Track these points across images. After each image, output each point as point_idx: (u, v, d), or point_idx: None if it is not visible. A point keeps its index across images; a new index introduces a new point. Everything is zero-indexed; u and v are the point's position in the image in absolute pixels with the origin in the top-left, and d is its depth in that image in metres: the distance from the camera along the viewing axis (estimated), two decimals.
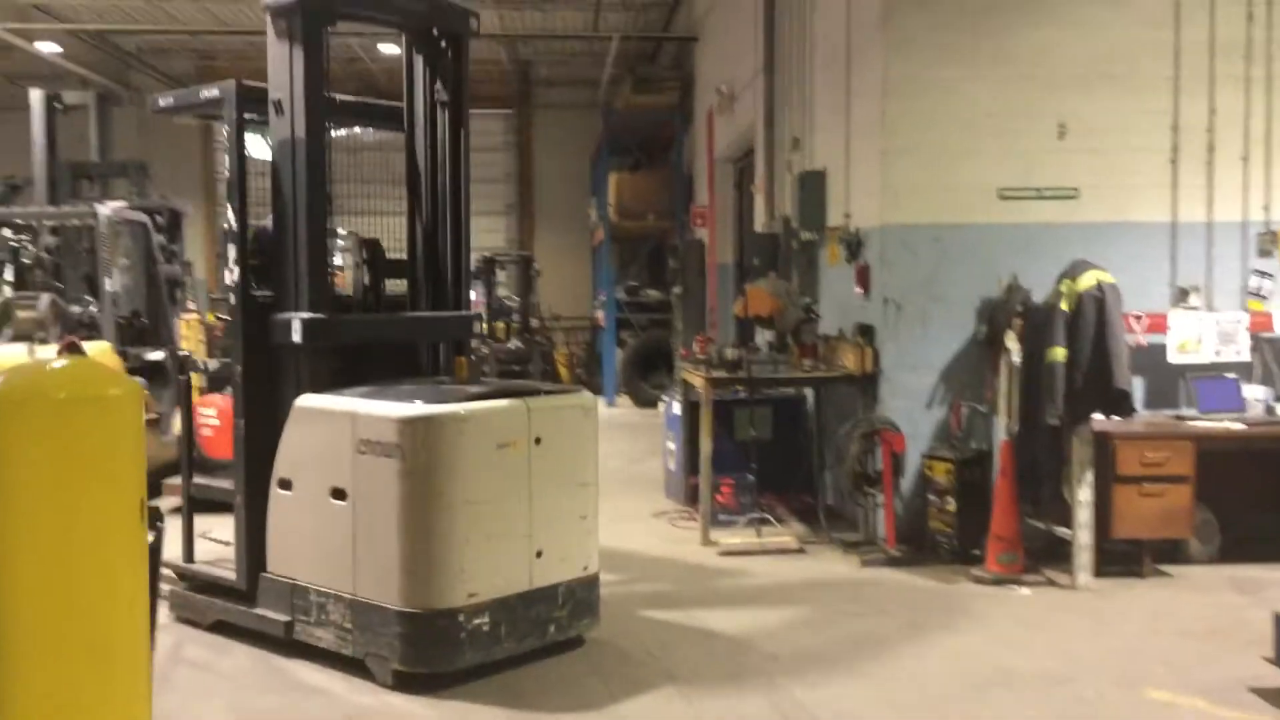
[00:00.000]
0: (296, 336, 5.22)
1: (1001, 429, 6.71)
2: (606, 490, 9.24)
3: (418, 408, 4.81)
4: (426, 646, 4.73)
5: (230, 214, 5.43)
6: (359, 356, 5.56)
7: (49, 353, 7.31)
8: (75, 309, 8.84)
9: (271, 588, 5.25)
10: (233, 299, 5.44)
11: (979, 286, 7.15)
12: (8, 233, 10.39)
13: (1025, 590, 6.27)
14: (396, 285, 6.05)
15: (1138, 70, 7.18)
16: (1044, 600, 6.12)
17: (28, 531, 1.86)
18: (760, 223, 10.79)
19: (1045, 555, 6.60)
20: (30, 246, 9.64)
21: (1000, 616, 5.82)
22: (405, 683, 4.75)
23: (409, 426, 4.74)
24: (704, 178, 14.44)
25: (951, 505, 6.75)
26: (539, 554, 5.08)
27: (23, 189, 12.26)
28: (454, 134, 5.84)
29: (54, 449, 1.87)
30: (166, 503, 7.99)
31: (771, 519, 7.56)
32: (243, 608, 5.36)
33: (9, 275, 10.50)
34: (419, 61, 5.80)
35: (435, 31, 5.76)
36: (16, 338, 7.71)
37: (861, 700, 4.65)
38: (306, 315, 5.24)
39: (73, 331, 8.38)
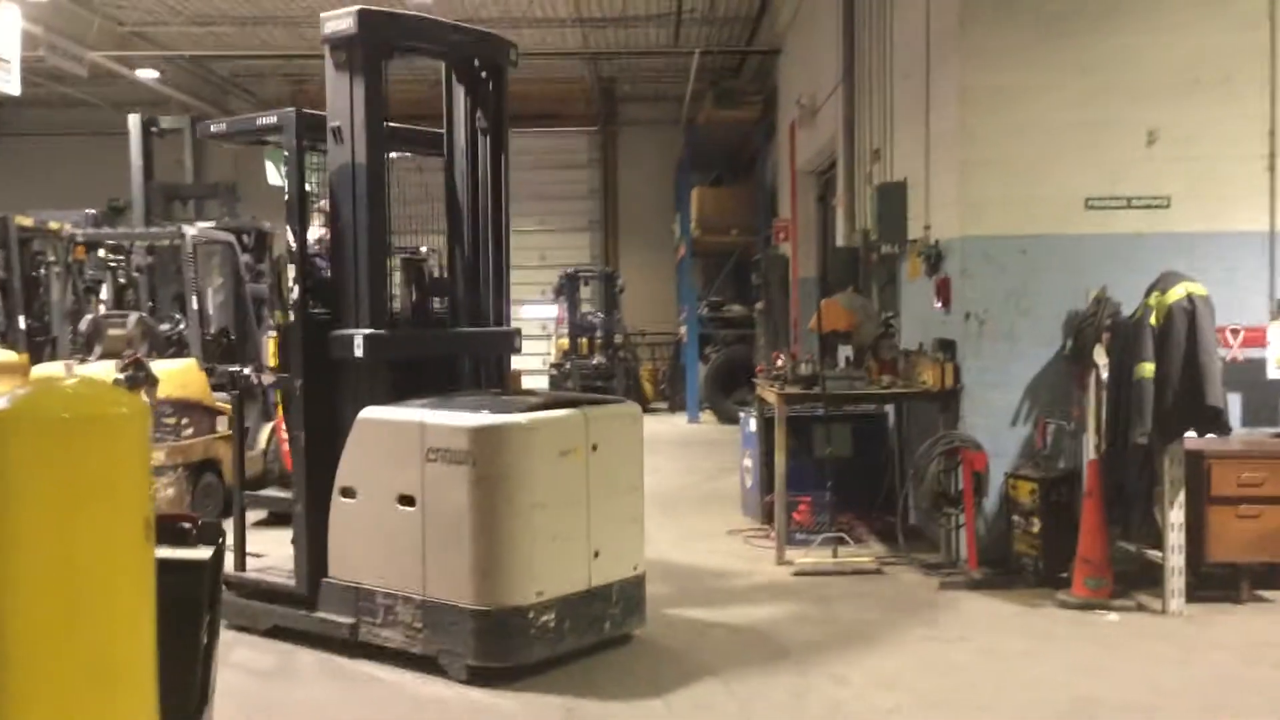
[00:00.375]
0: (359, 352, 5.41)
1: (1089, 448, 6.46)
2: (682, 507, 9.26)
3: (489, 418, 5.06)
4: (499, 642, 4.96)
5: (290, 235, 5.62)
6: (407, 370, 5.74)
7: (89, 371, 7.49)
8: (164, 327, 9.06)
9: (334, 592, 5.43)
10: (292, 316, 5.61)
11: (1066, 299, 6.91)
12: (103, 253, 10.74)
13: (1113, 616, 6.01)
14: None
15: (1231, 74, 6.88)
16: (1132, 626, 5.86)
17: (29, 552, 1.85)
18: (841, 236, 10.63)
19: (1135, 579, 6.33)
20: (123, 266, 9.94)
21: (1085, 643, 5.59)
22: (477, 677, 4.96)
23: (481, 435, 4.98)
24: (787, 191, 14.31)
25: (1036, 526, 6.52)
26: (596, 554, 5.33)
27: (125, 210, 12.69)
28: (494, 159, 6.10)
29: (56, 469, 1.87)
30: (251, 516, 8.15)
31: (848, 538, 7.39)
32: (303, 612, 5.53)
33: (105, 294, 10.86)
34: (460, 90, 6.01)
35: (477, 62, 5.98)
36: (106, 355, 7.91)
37: None
38: (368, 331, 5.44)
39: (161, 350, 8.59)
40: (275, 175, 5.90)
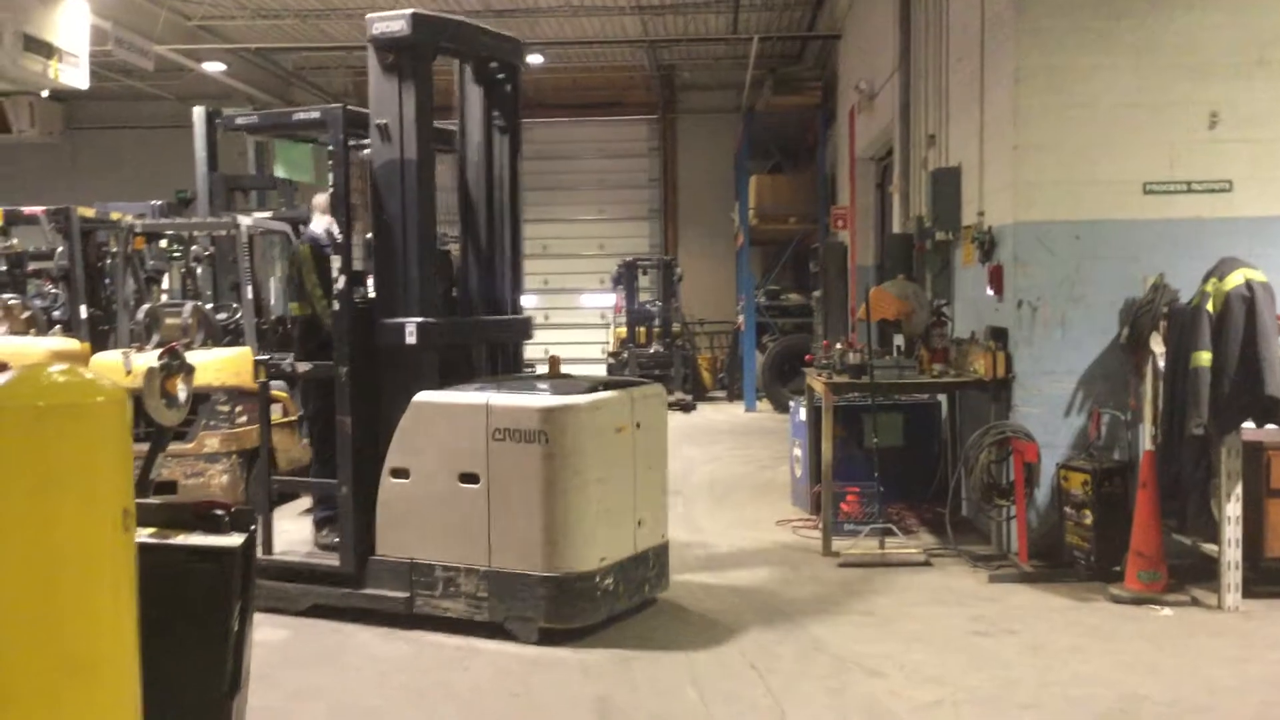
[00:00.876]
0: (411, 339, 5.64)
1: (1145, 438, 6.30)
2: (734, 496, 9.21)
3: (558, 399, 5.44)
4: (568, 605, 5.38)
5: (334, 227, 5.79)
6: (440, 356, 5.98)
7: (145, 359, 7.64)
8: (221, 316, 9.20)
9: (384, 569, 5.66)
10: (337, 305, 5.74)
11: (1121, 286, 6.74)
12: (164, 243, 10.95)
13: (1167, 611, 5.86)
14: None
15: None
16: (1186, 622, 5.70)
17: (2, 542, 1.87)
18: (897, 223, 10.48)
19: (1190, 574, 6.16)
20: (183, 256, 10.12)
21: (1136, 638, 5.45)
22: (546, 638, 5.38)
23: (552, 415, 5.36)
24: (845, 178, 14.14)
25: (1089, 519, 6.37)
26: (640, 523, 5.80)
27: (191, 202, 12.92)
28: (512, 155, 6.30)
29: (30, 457, 1.88)
30: (303, 504, 8.26)
31: (897, 530, 7.29)
32: (348, 590, 5.75)
33: (166, 284, 11.08)
34: (478, 90, 6.22)
35: (495, 63, 6.22)
36: (163, 343, 8.06)
37: None
38: (419, 319, 5.68)
39: (217, 338, 8.74)
40: (285, 168, 6.09)
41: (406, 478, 5.60)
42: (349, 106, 5.87)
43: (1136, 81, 6.76)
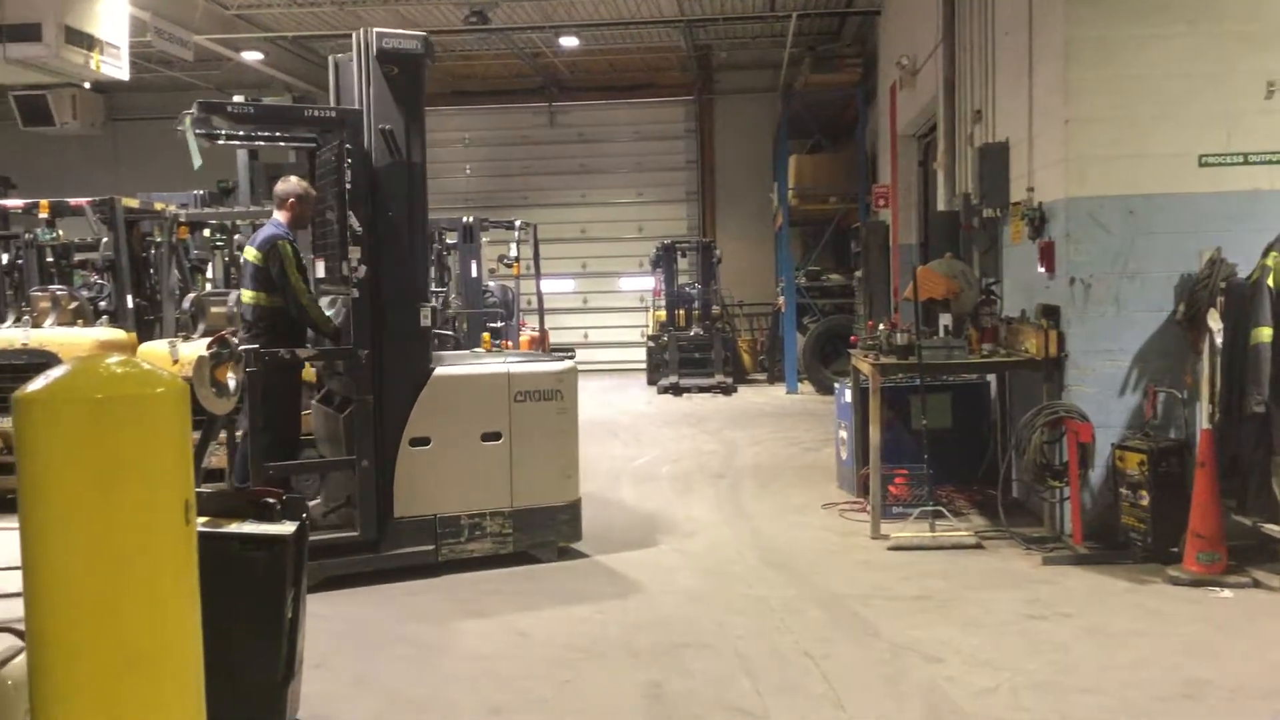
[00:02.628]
0: (425, 322, 6.35)
1: (1202, 417, 6.16)
2: (779, 480, 9.13)
3: (565, 364, 6.72)
4: (576, 526, 6.71)
5: (353, 220, 6.08)
6: None
7: (193, 348, 7.66)
8: None
9: (406, 528, 6.30)
10: (356, 293, 6.17)
11: (1177, 262, 6.60)
12: (208, 233, 11.00)
13: (1226, 593, 5.73)
14: None
15: None
16: (1247, 604, 5.58)
17: (66, 534, 1.84)
18: (941, 201, 10.31)
19: (1251, 555, 6.05)
20: (227, 245, 10.15)
21: (1196, 621, 5.34)
22: (562, 554, 6.66)
23: (564, 376, 6.68)
24: (887, 156, 13.97)
25: (1145, 499, 6.25)
26: None
27: (233, 191, 12.99)
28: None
29: (92, 450, 1.86)
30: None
31: (946, 512, 7.19)
32: (369, 555, 6.23)
33: (211, 273, 11.14)
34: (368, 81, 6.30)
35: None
36: (209, 332, 8.10)
37: (1033, 713, 4.31)
38: (433, 304, 6.52)
39: None
40: (197, 156, 6.47)
41: (427, 444, 6.31)
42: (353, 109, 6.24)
43: (1191, 51, 6.60)
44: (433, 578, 6.25)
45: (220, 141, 6.48)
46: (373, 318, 6.16)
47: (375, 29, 6.18)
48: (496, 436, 6.43)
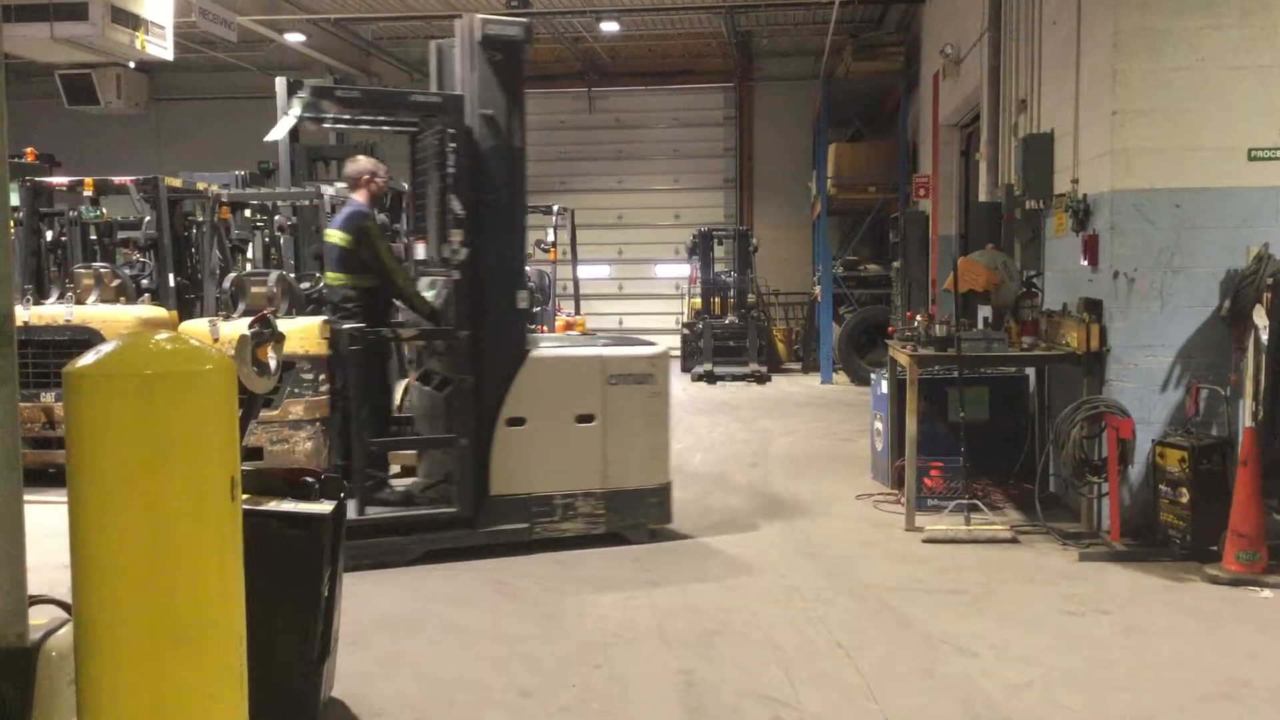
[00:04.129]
0: (523, 304, 6.49)
1: (1246, 414, 6.07)
2: (813, 470, 9.10)
3: (658, 348, 6.86)
4: (666, 508, 6.84)
5: (456, 203, 6.22)
6: None
7: (233, 327, 7.72)
8: (304, 285, 9.29)
9: (501, 506, 6.45)
10: (457, 275, 6.30)
11: (1224, 257, 6.51)
12: (249, 213, 11.09)
13: (1267, 593, 5.66)
14: None
15: None
16: None
17: (114, 509, 1.86)
18: (983, 191, 10.22)
19: None
20: (267, 226, 10.22)
21: (1235, 620, 5.28)
22: (653, 536, 6.77)
23: (657, 360, 6.79)
24: (928, 146, 13.85)
25: (1185, 497, 6.18)
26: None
27: (274, 172, 13.08)
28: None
29: (140, 425, 1.87)
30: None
31: (982, 506, 7.13)
32: (465, 530, 6.41)
33: (251, 253, 11.23)
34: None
35: None
36: (249, 312, 8.16)
37: (1068, 710, 4.28)
38: (527, 288, 6.68)
39: (300, 307, 8.82)
40: (281, 131, 6.78)
41: (523, 424, 6.45)
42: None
43: (1242, 44, 6.49)
44: (524, 554, 6.39)
45: (324, 125, 6.73)
46: (472, 300, 6.30)
47: (479, 15, 6.22)
48: (590, 419, 6.56)
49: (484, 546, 6.37)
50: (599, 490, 6.58)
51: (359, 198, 6.84)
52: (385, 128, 7.19)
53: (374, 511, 6.29)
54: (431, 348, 6.88)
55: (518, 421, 6.42)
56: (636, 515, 6.68)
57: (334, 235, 6.76)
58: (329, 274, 6.87)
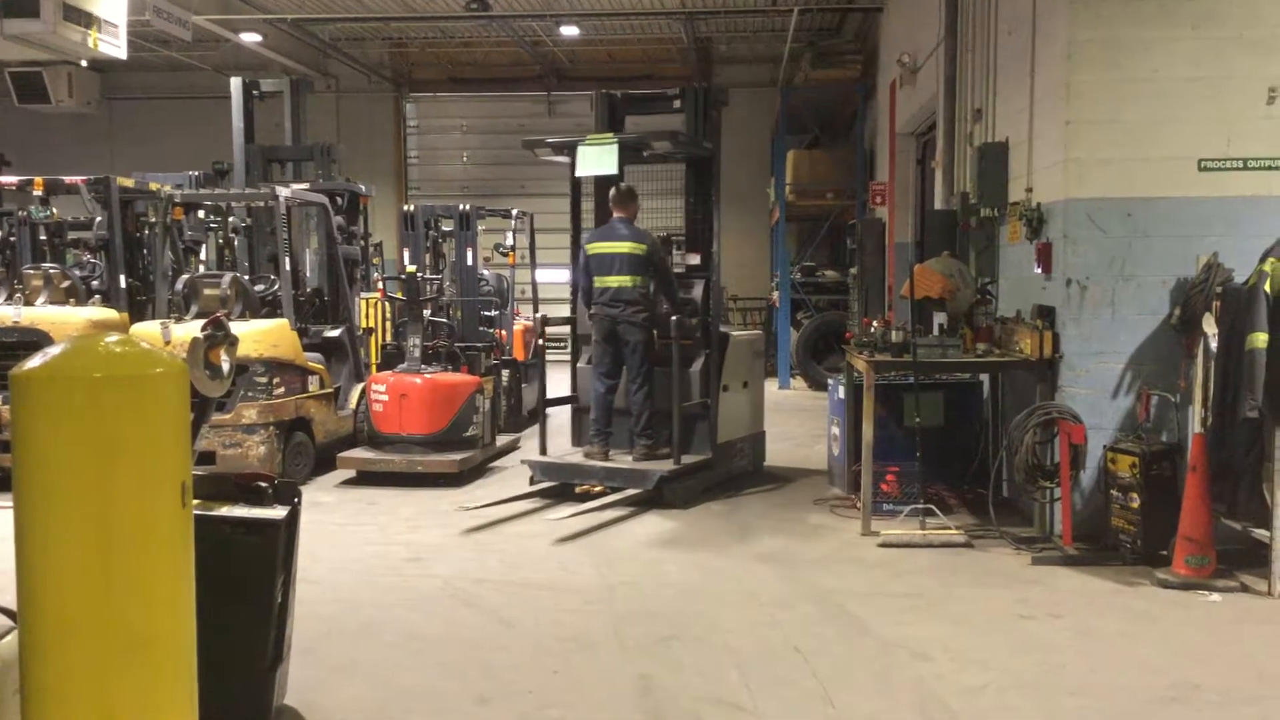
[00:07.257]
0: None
1: (1195, 420, 6.17)
2: (769, 475, 9.13)
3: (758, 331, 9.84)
4: (762, 450, 9.42)
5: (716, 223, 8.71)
6: None
7: (185, 330, 7.63)
8: (259, 287, 9.20)
9: (722, 451, 8.54)
10: (715, 277, 8.63)
11: (1173, 265, 6.61)
12: (202, 214, 10.95)
13: (1215, 597, 5.75)
14: None
15: None
16: (1236, 608, 5.60)
17: (61, 513, 1.82)
18: (939, 199, 10.32)
19: (1240, 559, 6.06)
20: (221, 227, 10.09)
21: (1185, 625, 5.35)
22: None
23: (762, 337, 9.65)
24: (885, 154, 13.96)
25: (1136, 502, 6.26)
26: None
27: (228, 173, 12.92)
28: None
29: (89, 430, 1.83)
30: (339, 475, 8.25)
31: (937, 510, 7.19)
32: (710, 472, 8.41)
33: (204, 255, 11.09)
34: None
35: None
36: (201, 315, 8.07)
37: (1021, 713, 4.32)
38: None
39: (255, 310, 8.73)
40: (593, 164, 8.13)
41: (727, 390, 8.55)
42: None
43: (1194, 56, 6.60)
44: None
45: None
46: (711, 295, 8.49)
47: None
48: (745, 385, 8.86)
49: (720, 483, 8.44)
50: (750, 435, 9.00)
51: (627, 215, 8.43)
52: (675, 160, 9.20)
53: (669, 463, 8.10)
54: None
55: (728, 388, 8.53)
56: (755, 455, 9.12)
57: (628, 246, 8.18)
58: (622, 277, 8.16)
